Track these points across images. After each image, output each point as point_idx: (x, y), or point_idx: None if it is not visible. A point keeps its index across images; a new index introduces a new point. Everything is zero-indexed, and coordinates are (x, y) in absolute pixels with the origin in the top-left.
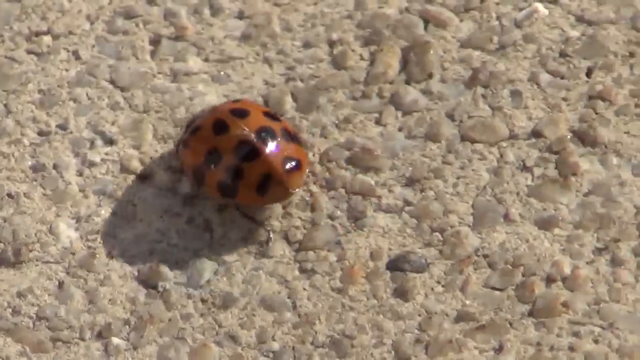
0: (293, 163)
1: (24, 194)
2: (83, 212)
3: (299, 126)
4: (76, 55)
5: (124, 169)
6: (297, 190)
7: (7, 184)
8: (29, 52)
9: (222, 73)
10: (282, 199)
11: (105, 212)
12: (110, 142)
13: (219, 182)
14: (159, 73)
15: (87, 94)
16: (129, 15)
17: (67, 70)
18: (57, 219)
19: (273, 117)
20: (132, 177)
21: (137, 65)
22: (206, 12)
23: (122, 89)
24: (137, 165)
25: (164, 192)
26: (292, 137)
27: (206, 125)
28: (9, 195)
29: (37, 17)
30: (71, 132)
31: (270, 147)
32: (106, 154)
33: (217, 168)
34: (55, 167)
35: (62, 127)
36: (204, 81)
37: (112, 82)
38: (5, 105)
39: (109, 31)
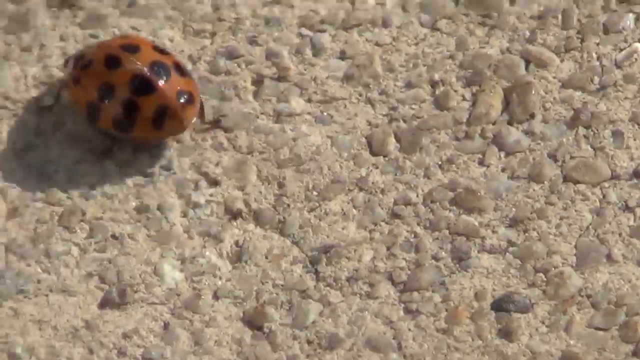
0: (186, 96)
1: (129, 235)
2: (188, 253)
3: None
4: None
5: (228, 210)
6: (191, 122)
7: (112, 225)
8: None
9: (325, 114)
10: (177, 132)
11: (210, 253)
12: (214, 183)
13: (114, 117)
14: (262, 114)
15: (190, 135)
16: (231, 55)
17: None
18: (161, 260)
19: (162, 51)
20: (236, 218)
21: (240, 105)
22: (308, 52)
23: (226, 130)
24: (241, 207)
25: (270, 233)
26: (183, 71)
27: (98, 60)
28: (114, 236)
29: None
30: (175, 173)
31: (164, 80)
32: (210, 195)
33: (111, 103)
34: (159, 208)
35: (166, 168)
36: (307, 122)
37: (215, 122)
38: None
39: (212, 71)
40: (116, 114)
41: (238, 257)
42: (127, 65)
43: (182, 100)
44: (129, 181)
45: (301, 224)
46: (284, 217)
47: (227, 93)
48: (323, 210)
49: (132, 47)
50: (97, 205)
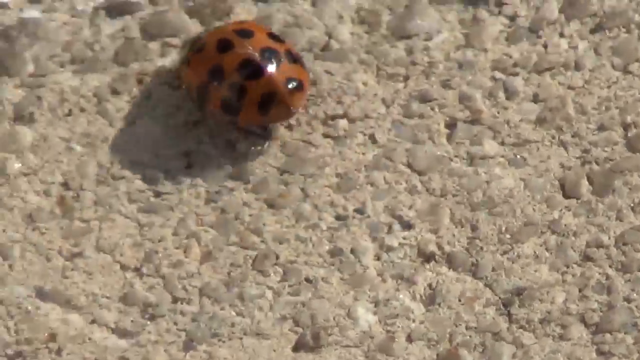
0: (295, 83)
1: (322, 278)
2: (381, 296)
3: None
4: (372, 138)
5: (422, 253)
6: (298, 110)
7: (305, 268)
8: (326, 135)
9: (518, 156)
10: (284, 119)
11: (404, 295)
12: (407, 226)
13: (222, 99)
14: (456, 156)
15: (384, 178)
16: (424, 98)
17: (364, 153)
18: (355, 303)
19: (277, 38)
20: (429, 261)
21: (433, 148)
22: (501, 95)
23: (419, 173)
24: (434, 249)
25: (463, 276)
26: (295, 58)
27: (210, 43)
28: (307, 279)
29: (333, 101)
30: (369, 216)
31: (274, 66)
32: (404, 238)
33: (220, 85)
34: (353, 251)
35: (360, 211)
36: (500, 164)
37: (409, 165)
38: (302, 190)
39: (405, 115)
40: (224, 96)
41: (431, 299)
42: (238, 50)
43: (290, 87)
44: (323, 224)
45: (494, 267)
46: (476, 260)
47: (420, 136)
48: (516, 253)
49: (246, 32)
50: (290, 249)
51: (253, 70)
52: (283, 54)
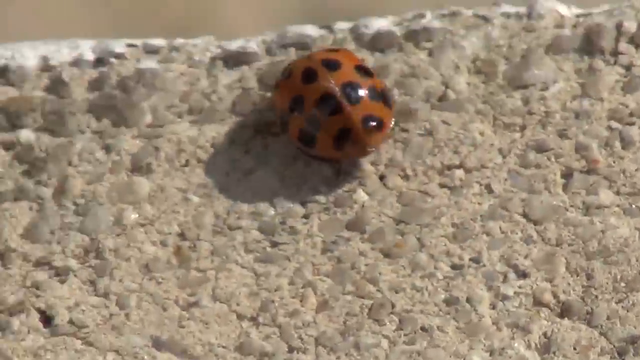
0: (374, 122)
1: (438, 327)
2: (496, 345)
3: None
4: (489, 188)
5: (537, 302)
6: (375, 148)
7: (421, 317)
8: (442, 185)
9: (633, 206)
10: (359, 156)
11: (519, 344)
12: (523, 275)
13: (300, 129)
14: (571, 206)
15: (500, 227)
16: (540, 148)
17: (480, 203)
18: (470, 352)
19: (365, 72)
20: (545, 310)
21: (549, 198)
22: (617, 145)
23: (535, 222)
24: (549, 299)
25: (578, 324)
26: (379, 95)
27: (297, 71)
28: (423, 328)
29: (450, 151)
30: (484, 266)
31: (354, 103)
32: (519, 286)
33: (300, 115)
34: (468, 300)
35: (476, 260)
36: (615, 214)
37: (524, 215)
38: (418, 239)
39: (521, 164)
40: (302, 127)
41: (546, 348)
42: (321, 82)
43: (368, 125)
44: (439, 273)
45: (609, 315)
46: (591, 308)
47: (536, 186)
48: (631, 302)
49: (333, 64)
50: (406, 298)
51: (331, 105)
52: (366, 90)
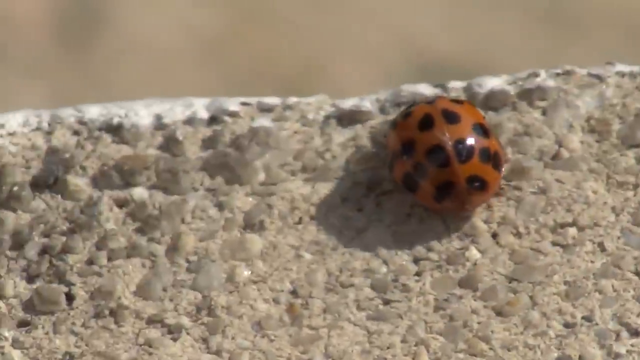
0: (478, 183)
1: None
2: None
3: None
4: (601, 246)
5: None
6: (474, 209)
7: None
8: (555, 243)
9: None
10: (457, 212)
11: None
12: (635, 333)
13: (405, 173)
14: None
15: (612, 286)
16: None
17: (592, 261)
18: None
19: (483, 130)
20: None
21: None
22: None
23: None
24: None
25: None
26: (490, 157)
27: (416, 115)
28: None
29: (563, 209)
30: (597, 324)
31: (462, 161)
32: (632, 345)
33: (408, 159)
34: (580, 358)
35: (588, 318)
36: None
37: (637, 273)
38: (530, 297)
39: (634, 222)
40: (408, 171)
41: None
42: (436, 132)
43: (472, 186)
44: (551, 332)
45: None
46: None
47: None
48: None
49: (452, 116)
50: (519, 356)
51: (441, 158)
52: (479, 149)
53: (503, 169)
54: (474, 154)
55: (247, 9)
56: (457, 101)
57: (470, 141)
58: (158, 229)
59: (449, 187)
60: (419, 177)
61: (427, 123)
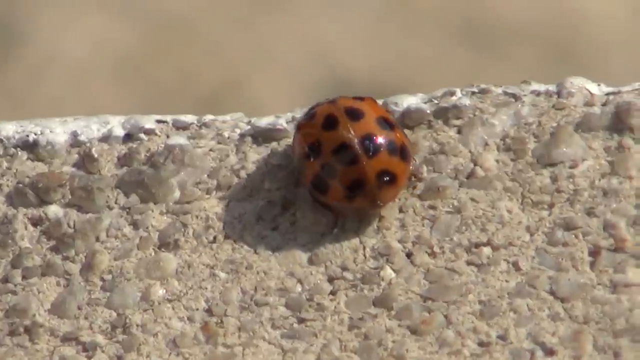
0: (388, 177)
1: None
2: None
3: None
4: (516, 266)
5: None
6: (387, 204)
7: None
8: (469, 263)
9: None
10: (370, 209)
11: None
12: (550, 352)
13: (315, 175)
14: (599, 284)
15: (527, 305)
16: (568, 226)
17: (507, 281)
18: None
19: (388, 124)
20: None
21: (576, 276)
22: None
23: (562, 300)
24: None
25: None
26: (397, 149)
27: (319, 116)
28: None
29: (477, 229)
30: (511, 343)
31: (371, 156)
32: None
33: (316, 161)
34: None
35: (502, 337)
36: None
37: (552, 293)
38: (445, 316)
39: (549, 242)
40: (317, 173)
41: None
42: (341, 131)
43: (382, 180)
44: (466, 351)
45: None
46: None
47: (563, 264)
48: None
49: (356, 113)
50: None
51: (348, 156)
52: (385, 143)
53: (411, 161)
54: (382, 149)
55: (165, 26)
56: (358, 98)
57: (376, 136)
58: (73, 248)
59: (360, 184)
60: (329, 177)
61: (331, 122)
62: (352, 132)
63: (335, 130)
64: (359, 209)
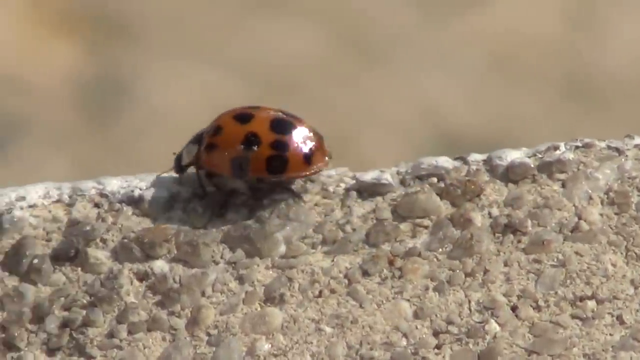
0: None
1: None
2: None
3: None
4: (620, 319)
5: None
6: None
7: None
8: (574, 316)
9: None
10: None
11: None
12: None
13: (267, 158)
14: None
15: (631, 358)
16: None
17: (611, 334)
18: None
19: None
20: None
21: None
22: None
23: None
24: None
25: None
26: (282, 146)
27: (227, 120)
28: None
29: (582, 282)
30: None
31: (301, 123)
32: None
33: (260, 148)
34: None
35: None
36: None
37: None
38: None
39: None
40: (269, 156)
41: None
42: (261, 113)
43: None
44: None
45: None
46: None
47: None
48: None
49: (244, 116)
50: None
51: (285, 124)
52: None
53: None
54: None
55: (268, 82)
56: (250, 107)
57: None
58: (178, 303)
59: (315, 150)
60: (282, 154)
61: (244, 116)
62: (273, 108)
63: (251, 121)
64: (320, 169)
